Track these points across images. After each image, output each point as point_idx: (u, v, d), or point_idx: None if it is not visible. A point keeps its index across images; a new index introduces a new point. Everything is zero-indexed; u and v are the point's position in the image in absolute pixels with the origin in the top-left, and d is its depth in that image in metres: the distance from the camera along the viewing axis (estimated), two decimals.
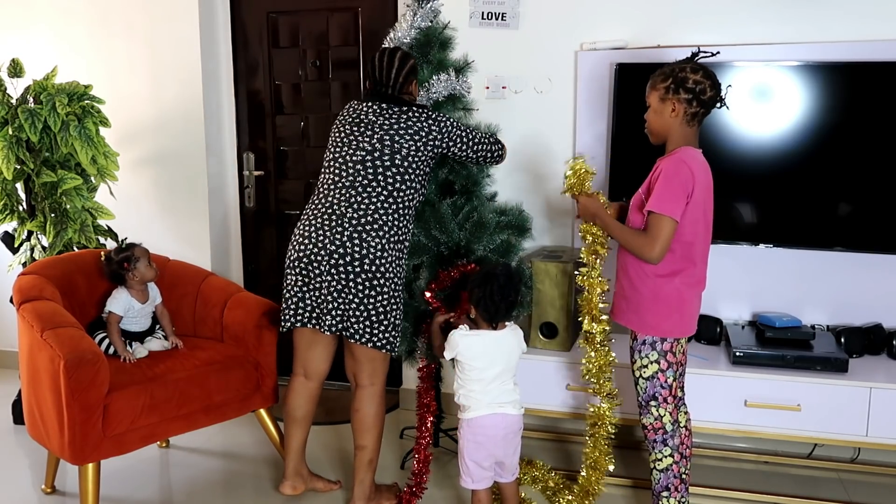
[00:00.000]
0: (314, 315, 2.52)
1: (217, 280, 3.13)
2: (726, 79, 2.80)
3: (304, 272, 2.48)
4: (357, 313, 2.44)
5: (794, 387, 2.67)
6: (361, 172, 2.45)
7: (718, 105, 2.29)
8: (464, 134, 2.56)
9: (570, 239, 3.27)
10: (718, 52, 2.38)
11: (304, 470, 2.76)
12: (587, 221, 2.47)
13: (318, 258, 2.44)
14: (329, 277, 2.43)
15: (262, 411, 2.93)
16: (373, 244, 2.41)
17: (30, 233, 3.33)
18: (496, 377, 2.39)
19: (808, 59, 2.81)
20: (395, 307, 2.49)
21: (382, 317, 2.45)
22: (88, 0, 3.75)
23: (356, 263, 2.40)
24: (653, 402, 2.39)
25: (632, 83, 2.60)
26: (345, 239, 2.41)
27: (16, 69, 3.26)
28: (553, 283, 2.86)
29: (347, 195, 2.45)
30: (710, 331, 2.99)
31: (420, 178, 2.51)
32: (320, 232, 2.44)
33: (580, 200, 2.46)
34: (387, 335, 2.48)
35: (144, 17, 3.70)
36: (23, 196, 3.34)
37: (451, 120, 2.55)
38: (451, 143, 2.54)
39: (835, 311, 3.01)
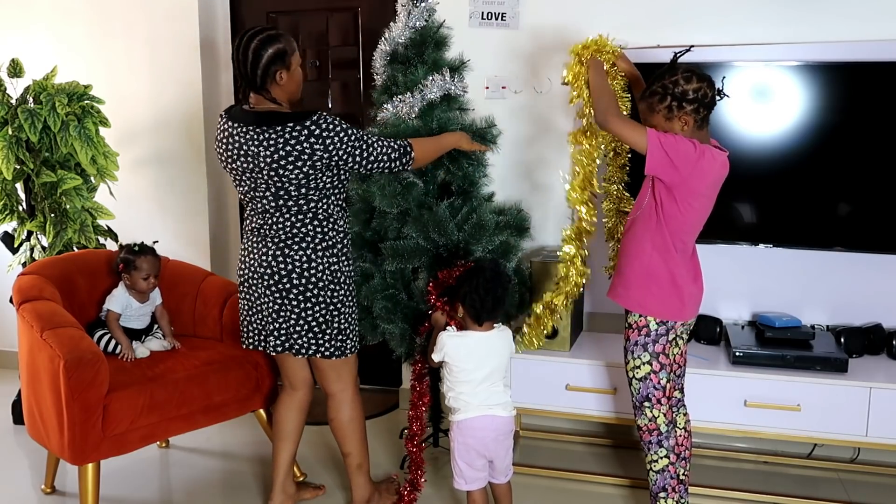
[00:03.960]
0: (260, 338, 2.49)
1: (217, 280, 3.13)
2: (726, 79, 2.81)
3: (247, 295, 2.46)
4: (298, 328, 2.39)
5: (794, 387, 2.67)
6: (263, 202, 2.33)
7: (719, 98, 2.29)
8: (357, 151, 2.29)
9: None
10: (692, 48, 2.40)
11: (291, 488, 2.70)
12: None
13: (253, 281, 2.41)
14: (266, 298, 2.39)
15: (262, 411, 2.93)
16: (296, 258, 2.34)
17: (29, 233, 3.33)
18: (485, 378, 2.39)
19: (808, 59, 2.81)
20: (338, 313, 2.41)
21: (325, 326, 2.40)
22: (88, 0, 3.75)
23: (284, 280, 2.35)
24: (646, 404, 2.39)
25: (644, 104, 2.60)
26: (269, 258, 2.36)
27: (16, 69, 3.27)
28: (553, 283, 2.85)
29: (265, 216, 2.36)
30: (710, 331, 2.99)
31: (329, 187, 2.34)
32: (251, 255, 2.41)
33: (591, 60, 2.49)
34: (334, 343, 2.42)
35: (144, 17, 3.70)
36: (23, 196, 3.35)
37: (339, 132, 2.25)
38: (339, 160, 2.27)
39: (835, 311, 3.00)
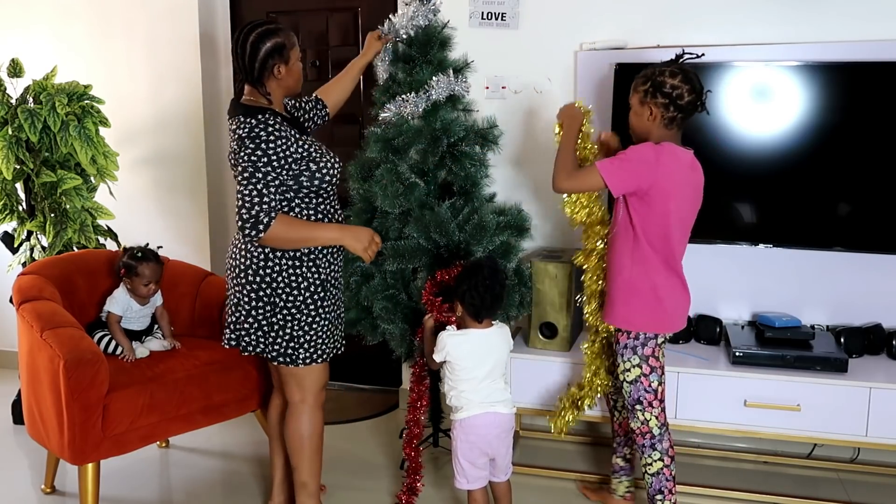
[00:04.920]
0: (222, 327, 2.47)
1: (217, 280, 3.13)
2: (726, 79, 2.81)
3: (226, 285, 2.45)
4: (247, 325, 2.35)
5: (794, 387, 2.67)
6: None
7: (699, 110, 2.27)
8: (239, 173, 2.19)
9: (571, 239, 3.27)
10: (703, 55, 2.37)
11: (290, 488, 2.66)
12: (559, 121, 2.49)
13: (227, 273, 2.41)
14: (231, 291, 2.39)
15: (262, 411, 2.93)
16: (255, 253, 2.29)
17: (29, 233, 3.33)
18: (486, 376, 2.39)
19: (808, 59, 2.81)
20: (292, 320, 2.33)
21: (278, 328, 2.32)
22: (88, 0, 3.75)
23: (242, 275, 2.32)
24: (638, 406, 2.39)
25: (632, 83, 2.60)
26: (236, 252, 2.34)
27: (16, 69, 3.26)
28: (553, 283, 2.86)
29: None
30: (710, 331, 2.99)
31: (282, 187, 2.24)
32: (230, 246, 2.41)
33: (565, 107, 2.47)
34: (283, 349, 2.35)
35: (144, 17, 3.70)
36: (23, 196, 3.34)
37: (250, 146, 2.16)
38: (237, 161, 2.21)
39: (834, 311, 3.01)
